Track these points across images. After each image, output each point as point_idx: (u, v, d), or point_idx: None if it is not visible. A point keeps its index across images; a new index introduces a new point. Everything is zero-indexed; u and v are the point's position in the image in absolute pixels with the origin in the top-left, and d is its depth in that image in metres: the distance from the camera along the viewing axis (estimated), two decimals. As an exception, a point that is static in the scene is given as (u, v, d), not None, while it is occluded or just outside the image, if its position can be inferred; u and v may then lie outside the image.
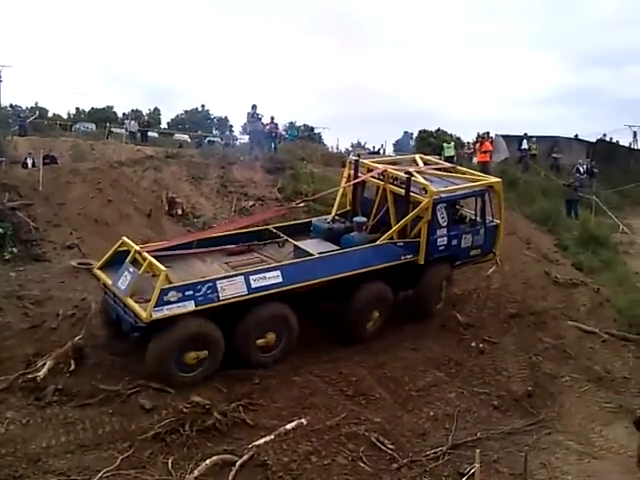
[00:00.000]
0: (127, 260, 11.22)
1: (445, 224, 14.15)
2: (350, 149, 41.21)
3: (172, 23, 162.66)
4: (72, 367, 10.74)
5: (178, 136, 54.70)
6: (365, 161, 15.47)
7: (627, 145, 39.42)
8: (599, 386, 12.77)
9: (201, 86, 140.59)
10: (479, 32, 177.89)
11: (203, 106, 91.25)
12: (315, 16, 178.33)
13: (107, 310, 11.91)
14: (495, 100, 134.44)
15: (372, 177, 14.71)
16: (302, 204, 16.03)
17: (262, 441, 9.21)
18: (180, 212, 19.09)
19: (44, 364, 10.60)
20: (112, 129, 39.71)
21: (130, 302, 10.58)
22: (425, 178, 14.36)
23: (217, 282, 10.97)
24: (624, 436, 11.06)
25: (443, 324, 14.22)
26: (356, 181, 14.94)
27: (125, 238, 12.14)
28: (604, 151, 36.10)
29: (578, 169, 30.02)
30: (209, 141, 47.28)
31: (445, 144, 30.53)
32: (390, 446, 9.73)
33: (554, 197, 26.12)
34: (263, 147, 26.22)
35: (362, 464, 9.24)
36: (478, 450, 8.78)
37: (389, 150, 43.02)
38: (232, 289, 11.05)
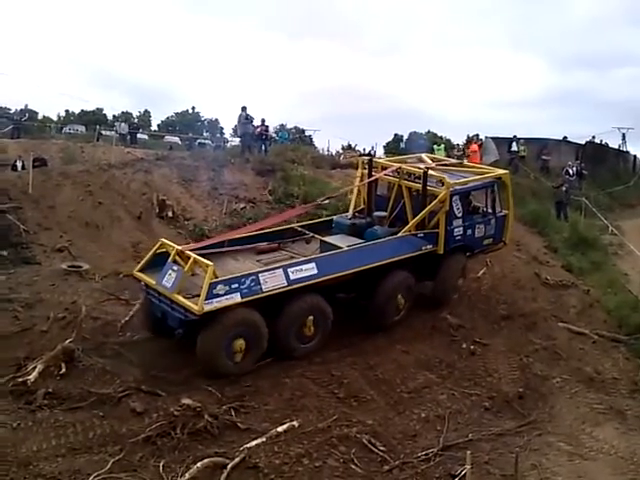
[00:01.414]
0: (169, 260, 11.73)
1: (460, 215, 15.08)
2: (341, 151, 41.12)
3: (162, 26, 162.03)
4: (63, 370, 10.69)
5: (168, 138, 54.27)
6: (379, 160, 16.68)
7: (616, 147, 39.63)
8: (589, 387, 12.84)
9: (191, 88, 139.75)
10: (467, 34, 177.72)
11: (193, 108, 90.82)
12: (303, 18, 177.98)
13: (149, 309, 12.38)
14: (484, 102, 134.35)
15: (387, 174, 15.58)
16: (327, 201, 17.14)
17: (253, 443, 9.23)
18: (171, 214, 19.02)
19: (34, 367, 10.55)
20: (102, 131, 39.44)
21: (179, 298, 11.12)
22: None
23: (260, 275, 11.70)
24: (614, 437, 11.14)
25: (434, 326, 14.22)
26: (372, 179, 15.72)
27: (164, 240, 12.69)
28: (593, 153, 36.25)
29: (567, 171, 30.14)
30: (200, 143, 46.99)
31: (435, 146, 30.66)
32: (381, 448, 9.77)
33: (544, 199, 26.26)
34: (254, 149, 26.20)
35: (353, 466, 9.27)
36: (469, 451, 8.79)
37: (380, 152, 43.01)
38: (273, 281, 11.77)
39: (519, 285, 17.27)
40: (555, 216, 24.93)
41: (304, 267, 12.28)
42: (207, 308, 10.82)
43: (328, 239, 14.04)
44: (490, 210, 15.93)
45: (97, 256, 15.96)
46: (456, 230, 14.97)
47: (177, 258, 11.72)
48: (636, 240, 23.43)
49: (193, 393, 10.39)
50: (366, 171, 16.01)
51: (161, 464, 8.71)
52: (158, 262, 12.05)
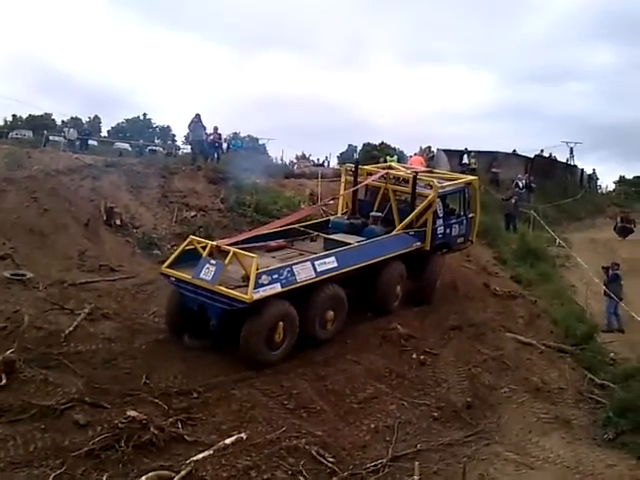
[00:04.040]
0: (204, 254, 12.41)
1: (441, 215, 16.79)
2: (295, 161, 41.18)
3: (116, 34, 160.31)
4: (3, 382, 10.28)
5: (118, 145, 53.46)
6: (365, 167, 18.14)
7: (564, 160, 40.54)
8: (536, 397, 13.02)
9: (143, 95, 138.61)
10: (421, 49, 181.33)
11: (145, 115, 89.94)
12: (259, 30, 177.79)
13: (179, 304, 12.98)
14: (437, 115, 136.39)
15: (374, 180, 17.03)
16: (331, 201, 19.05)
17: (200, 456, 9.00)
18: (119, 222, 18.63)
19: (-27, 379, 10.19)
20: (50, 137, 38.67)
21: (224, 289, 11.86)
22: None
23: (293, 267, 12.68)
24: (560, 446, 11.29)
25: (384, 336, 14.18)
26: (363, 184, 17.14)
27: (193, 237, 13.42)
28: (542, 166, 37.04)
29: (517, 184, 30.77)
30: (151, 150, 46.50)
31: (388, 157, 30.75)
32: (330, 459, 9.65)
33: (493, 211, 26.59)
34: (206, 157, 25.99)
35: (302, 478, 9.13)
36: (417, 462, 8.81)
37: (333, 162, 43.31)
38: (305, 273, 12.80)
39: (469, 296, 17.49)
40: (504, 228, 25.37)
41: (327, 260, 13.43)
42: (256, 297, 11.61)
43: (333, 237, 15.33)
44: (462, 212, 17.63)
45: (42, 264, 15.50)
46: (439, 229, 16.62)
47: (207, 251, 12.42)
48: (583, 252, 24.00)
49: (139, 405, 10.12)
50: (350, 178, 17.43)
51: (104, 478, 8.43)
52: (182, 259, 12.85)
